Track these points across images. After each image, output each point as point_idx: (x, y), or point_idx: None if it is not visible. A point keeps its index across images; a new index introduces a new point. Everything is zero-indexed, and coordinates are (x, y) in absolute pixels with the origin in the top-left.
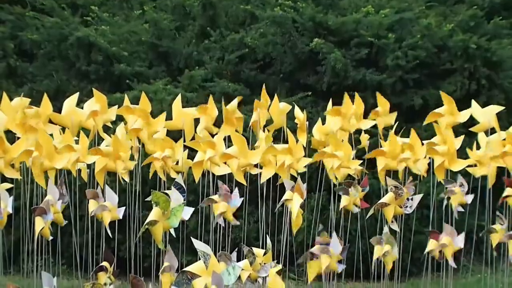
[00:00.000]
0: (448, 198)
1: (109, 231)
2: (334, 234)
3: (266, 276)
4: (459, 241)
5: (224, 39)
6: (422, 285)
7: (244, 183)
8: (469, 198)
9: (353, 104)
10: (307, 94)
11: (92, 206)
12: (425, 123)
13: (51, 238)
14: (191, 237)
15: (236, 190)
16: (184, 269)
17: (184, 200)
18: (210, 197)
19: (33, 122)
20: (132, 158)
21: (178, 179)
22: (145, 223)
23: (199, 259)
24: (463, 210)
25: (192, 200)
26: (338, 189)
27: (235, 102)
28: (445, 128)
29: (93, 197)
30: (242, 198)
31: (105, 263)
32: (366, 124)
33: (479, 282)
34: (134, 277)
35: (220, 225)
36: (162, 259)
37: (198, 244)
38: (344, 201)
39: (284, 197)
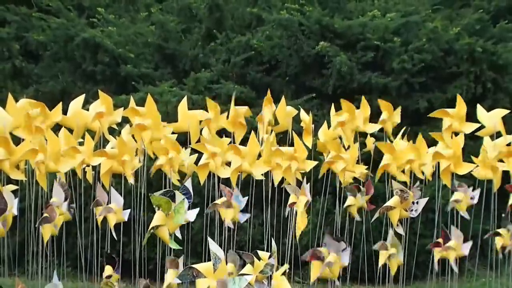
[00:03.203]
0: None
1: (114, 233)
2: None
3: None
4: (465, 248)
5: (230, 41)
6: None
7: (234, 184)
8: (475, 196)
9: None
10: (313, 96)
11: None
12: (431, 115)
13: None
14: (208, 237)
15: (237, 191)
16: (192, 265)
17: (189, 203)
18: (215, 202)
19: (38, 124)
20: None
21: (187, 184)
22: (149, 229)
23: (204, 261)
24: (468, 218)
25: (197, 202)
26: (347, 188)
27: (232, 103)
28: (445, 131)
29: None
30: (246, 197)
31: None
32: (372, 127)
33: (484, 286)
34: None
35: (224, 227)
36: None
37: (212, 245)
38: (350, 201)
39: (289, 202)
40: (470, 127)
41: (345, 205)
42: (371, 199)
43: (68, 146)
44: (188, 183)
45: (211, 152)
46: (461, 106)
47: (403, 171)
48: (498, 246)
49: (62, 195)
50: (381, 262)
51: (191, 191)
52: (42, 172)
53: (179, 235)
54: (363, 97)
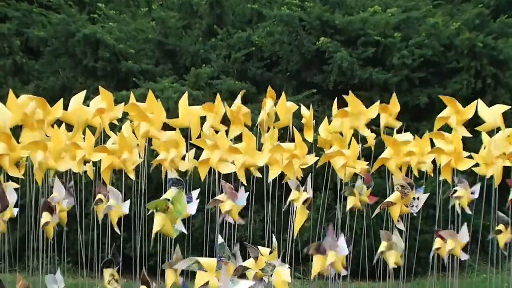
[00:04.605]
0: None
1: (116, 229)
2: (341, 235)
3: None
4: (464, 236)
5: (231, 37)
6: (427, 284)
7: (245, 182)
8: (476, 190)
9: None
10: (313, 92)
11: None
12: (435, 129)
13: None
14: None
15: (242, 189)
16: (198, 258)
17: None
18: (215, 197)
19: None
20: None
21: (193, 192)
22: (154, 233)
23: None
24: (470, 213)
25: (197, 198)
26: (345, 190)
27: (238, 99)
28: (439, 119)
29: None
30: (247, 193)
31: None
32: (372, 112)
33: (485, 282)
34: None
35: (225, 223)
36: (167, 257)
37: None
38: (351, 201)
39: (290, 197)
40: (470, 111)
41: (347, 207)
42: (372, 194)
43: (69, 142)
44: (195, 193)
45: (212, 147)
46: (449, 103)
47: (400, 169)
48: (502, 244)
49: (62, 190)
50: (391, 264)
51: (194, 199)
52: (42, 169)
53: (184, 229)
54: (350, 92)
